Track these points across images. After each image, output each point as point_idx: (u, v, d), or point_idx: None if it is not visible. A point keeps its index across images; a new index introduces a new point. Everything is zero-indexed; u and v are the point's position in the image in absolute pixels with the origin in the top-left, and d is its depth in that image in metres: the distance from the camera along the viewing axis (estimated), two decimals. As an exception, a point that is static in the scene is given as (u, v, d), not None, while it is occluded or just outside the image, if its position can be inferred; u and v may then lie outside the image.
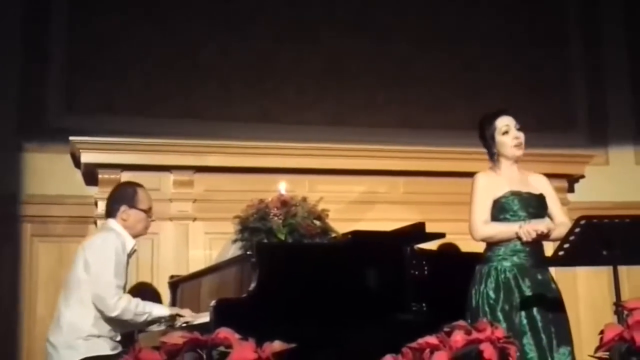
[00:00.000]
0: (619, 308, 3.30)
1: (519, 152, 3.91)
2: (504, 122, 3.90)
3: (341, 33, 6.35)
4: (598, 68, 6.93)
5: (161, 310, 4.23)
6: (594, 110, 6.84)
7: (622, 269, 3.56)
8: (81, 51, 5.89)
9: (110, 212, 4.37)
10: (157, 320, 4.23)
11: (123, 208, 4.33)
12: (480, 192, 3.87)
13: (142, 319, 4.13)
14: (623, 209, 5.34)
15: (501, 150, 3.91)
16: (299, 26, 6.31)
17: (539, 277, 3.80)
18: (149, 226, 4.48)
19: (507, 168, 3.92)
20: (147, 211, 4.41)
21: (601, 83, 6.91)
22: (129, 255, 4.31)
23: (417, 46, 6.48)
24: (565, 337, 3.75)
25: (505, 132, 3.89)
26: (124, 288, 4.22)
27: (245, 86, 6.11)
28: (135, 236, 4.37)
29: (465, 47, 6.58)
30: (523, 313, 3.73)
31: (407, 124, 6.31)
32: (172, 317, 4.21)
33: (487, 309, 3.75)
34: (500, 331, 3.04)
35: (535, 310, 3.73)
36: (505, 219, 3.83)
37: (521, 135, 3.91)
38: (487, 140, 3.94)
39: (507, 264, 3.79)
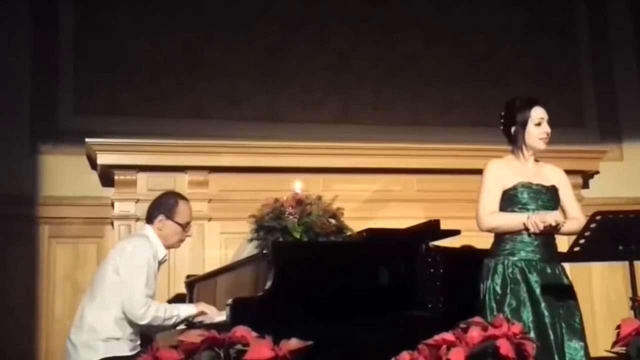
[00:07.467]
0: (636, 303, 3.30)
1: (543, 147, 3.85)
2: (539, 115, 3.83)
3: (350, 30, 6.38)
4: (608, 63, 6.92)
5: (188, 309, 4.22)
6: (605, 106, 6.83)
7: (638, 264, 3.56)
8: (91, 54, 5.95)
9: (149, 218, 4.37)
10: (185, 320, 4.22)
11: (160, 217, 4.32)
12: (490, 182, 3.81)
13: (172, 322, 4.13)
14: (638, 205, 5.32)
15: (527, 139, 3.84)
16: (307, 24, 6.33)
17: (549, 271, 3.72)
18: (184, 240, 4.47)
19: (525, 157, 3.87)
20: (184, 225, 4.37)
21: (611, 78, 6.90)
22: (160, 264, 4.31)
23: (425, 43, 6.49)
24: (577, 332, 3.66)
25: (538, 124, 3.83)
26: (153, 295, 4.23)
27: (252, 85, 6.14)
28: (168, 247, 4.36)
29: (474, 44, 6.59)
30: (530, 309, 3.66)
31: (415, 122, 6.32)
32: (200, 314, 4.20)
33: (494, 304, 3.70)
34: (517, 327, 3.05)
35: (543, 306, 3.65)
36: (513, 212, 3.76)
37: (549, 130, 3.85)
38: (516, 126, 3.86)
39: (514, 258, 3.73)
